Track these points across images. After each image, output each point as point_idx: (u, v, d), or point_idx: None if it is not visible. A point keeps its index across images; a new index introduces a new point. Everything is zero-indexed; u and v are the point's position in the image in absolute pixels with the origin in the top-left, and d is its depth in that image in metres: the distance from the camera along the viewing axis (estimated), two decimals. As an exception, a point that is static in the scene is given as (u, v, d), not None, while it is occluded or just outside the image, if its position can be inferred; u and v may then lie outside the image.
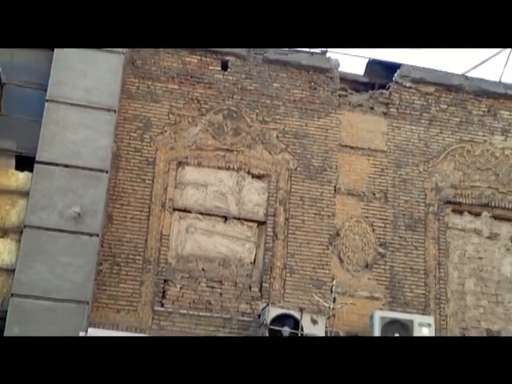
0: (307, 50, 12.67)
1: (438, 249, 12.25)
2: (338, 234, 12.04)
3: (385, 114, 12.88)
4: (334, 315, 10.95)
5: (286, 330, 10.63)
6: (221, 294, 11.42)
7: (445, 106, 13.10)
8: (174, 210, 11.74)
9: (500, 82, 13.53)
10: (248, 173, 12.14)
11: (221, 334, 11.09)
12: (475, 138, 13.02)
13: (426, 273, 12.06)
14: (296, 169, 12.24)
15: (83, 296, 10.29)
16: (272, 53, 12.59)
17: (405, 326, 10.98)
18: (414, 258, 12.11)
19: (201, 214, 11.83)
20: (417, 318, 11.16)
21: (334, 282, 11.38)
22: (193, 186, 11.95)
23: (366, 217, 12.25)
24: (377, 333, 10.85)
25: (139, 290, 11.19)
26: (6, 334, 9.84)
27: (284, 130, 12.39)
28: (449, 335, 11.78)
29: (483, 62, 14.80)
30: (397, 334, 10.86)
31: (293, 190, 12.12)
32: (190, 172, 11.99)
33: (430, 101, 13.07)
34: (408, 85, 13.07)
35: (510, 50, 13.80)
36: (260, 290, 11.56)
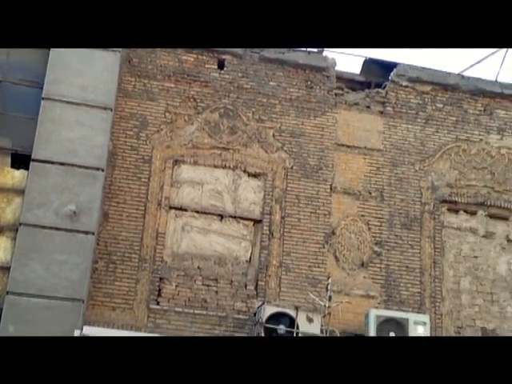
0: (304, 48, 12.68)
1: (434, 247, 12.27)
2: (333, 233, 12.05)
3: (381, 112, 12.90)
4: (329, 313, 10.97)
5: (282, 329, 10.65)
6: (216, 292, 11.43)
7: (441, 105, 13.11)
8: (170, 208, 11.75)
9: (496, 81, 13.55)
10: (244, 171, 12.15)
11: (216, 332, 11.11)
12: (471, 137, 13.04)
13: (422, 271, 12.08)
14: (292, 167, 12.25)
15: (79, 294, 10.30)
16: (268, 51, 12.59)
17: (400, 324, 11.00)
18: (410, 256, 12.13)
19: (197, 212, 11.83)
20: (412, 317, 11.18)
21: (330, 281, 11.41)
22: (189, 185, 11.96)
23: (362, 215, 12.27)
24: (372, 331, 10.87)
25: (135, 288, 11.20)
26: (1, 332, 9.84)
27: (280, 129, 12.40)
28: (444, 334, 11.81)
29: (479, 62, 14.87)
30: (392, 333, 10.88)
31: (289, 188, 12.13)
32: (186, 170, 12.00)
33: (426, 100, 13.09)
34: (404, 84, 13.08)
35: (505, 49, 13.85)
36: (256, 289, 11.57)
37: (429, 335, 11.06)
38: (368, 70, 13.48)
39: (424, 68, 13.29)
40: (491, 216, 12.72)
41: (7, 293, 10.16)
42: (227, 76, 12.49)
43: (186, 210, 11.81)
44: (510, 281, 12.44)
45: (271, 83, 12.59)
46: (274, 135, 12.34)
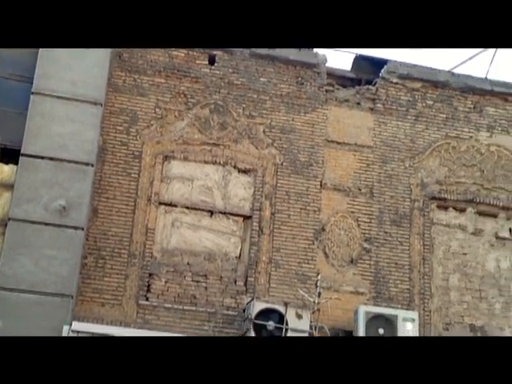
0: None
1: (423, 244, 12.30)
2: (323, 229, 12.06)
3: (371, 109, 12.91)
4: (318, 310, 11.00)
5: (271, 325, 10.67)
6: (206, 288, 11.43)
7: (431, 102, 13.14)
8: (160, 203, 11.73)
9: (486, 78, 13.58)
10: (234, 167, 12.14)
11: (205, 328, 11.11)
12: (461, 135, 13.08)
13: (411, 268, 12.11)
14: (282, 163, 12.25)
15: (68, 289, 10.27)
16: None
17: (389, 320, 11.03)
18: (399, 253, 12.16)
19: (187, 208, 11.81)
20: (401, 313, 11.21)
21: (319, 277, 11.45)
22: (179, 180, 11.94)
23: (352, 212, 12.29)
24: (361, 328, 10.89)
25: (124, 283, 11.18)
26: (-10, 326, 9.82)
27: (270, 125, 12.39)
28: (432, 330, 11.85)
29: (470, 59, 14.91)
30: (381, 329, 10.91)
31: (279, 184, 12.13)
32: (176, 166, 11.98)
33: (416, 97, 13.11)
34: (394, 81, 13.10)
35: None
36: (245, 285, 11.57)
37: (417, 332, 11.09)
38: (358, 66, 13.49)
39: (414, 65, 13.31)
40: (480, 213, 12.76)
41: (-4, 288, 10.15)
42: (218, 72, 12.47)
43: (175, 206, 11.79)
44: (499, 278, 12.49)
45: (262, 79, 12.59)
46: (264, 131, 12.34)
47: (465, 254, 12.51)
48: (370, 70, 13.36)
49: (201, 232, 11.77)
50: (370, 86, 13.07)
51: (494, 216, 12.81)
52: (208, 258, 11.60)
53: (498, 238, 12.70)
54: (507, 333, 12.15)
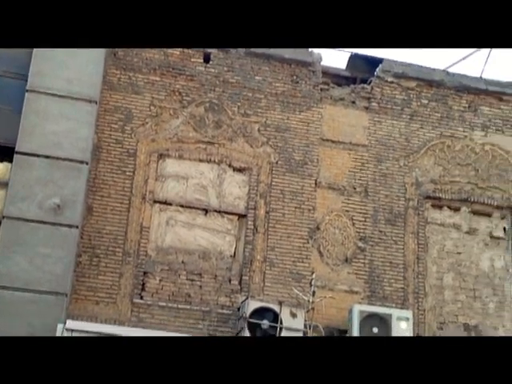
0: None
1: (418, 243, 12.32)
2: (318, 228, 12.07)
3: (366, 108, 12.92)
4: (313, 308, 11.01)
5: (265, 324, 10.67)
6: (200, 286, 11.42)
7: (426, 101, 13.15)
8: (155, 202, 11.72)
9: (481, 77, 13.61)
10: (229, 166, 12.13)
11: (200, 327, 11.11)
12: (455, 134, 13.09)
13: (405, 267, 12.12)
14: (277, 162, 12.24)
15: (62, 288, 10.25)
16: (254, 46, 12.58)
17: (383, 319, 11.05)
18: (394, 252, 12.17)
19: (181, 206, 11.80)
20: (395, 312, 11.23)
21: (314, 276, 11.44)
22: (173, 179, 11.93)
23: (347, 211, 12.29)
24: (355, 326, 10.91)
25: (118, 282, 11.16)
26: (-16, 325, 9.80)
27: (265, 124, 12.39)
28: (427, 329, 11.87)
29: (464, 58, 14.95)
30: (375, 328, 10.93)
31: (273, 183, 12.13)
32: (170, 164, 11.97)
33: (411, 96, 13.12)
34: (390, 79, 13.10)
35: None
36: (240, 283, 11.57)
37: (411, 331, 11.11)
38: (354, 65, 13.49)
39: (409, 64, 13.32)
40: (474, 212, 12.79)
41: (-10, 286, 10.13)
42: (213, 70, 12.46)
43: (170, 204, 11.78)
44: (493, 277, 12.52)
45: (257, 77, 12.58)
46: (259, 130, 12.33)
47: (459, 253, 12.53)
48: (365, 68, 13.37)
49: (195, 230, 11.76)
50: (365, 85, 13.07)
51: (489, 215, 12.84)
52: (203, 257, 11.60)
53: (492, 237, 12.73)
54: (501, 332, 12.17)
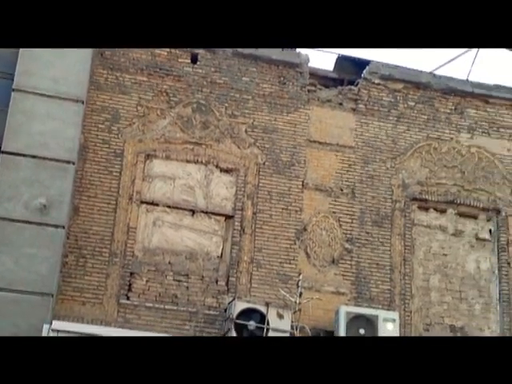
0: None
1: (404, 245, 12.35)
2: (305, 229, 12.07)
3: (353, 110, 12.94)
4: (299, 310, 11.01)
5: (252, 325, 10.66)
6: (187, 287, 11.40)
7: (412, 103, 13.20)
8: (142, 202, 11.69)
9: (467, 80, 13.68)
10: (216, 166, 12.12)
11: (187, 328, 11.09)
12: (442, 136, 13.14)
13: (392, 269, 12.15)
14: (264, 163, 12.24)
15: (48, 288, 10.21)
16: (242, 47, 12.58)
17: (370, 321, 11.06)
18: (380, 253, 12.20)
19: (168, 207, 11.78)
20: (382, 314, 11.25)
21: (301, 277, 11.44)
22: (160, 179, 11.90)
23: (333, 212, 12.31)
24: (342, 328, 10.92)
25: (105, 282, 11.12)
26: (-30, 325, 9.73)
27: (253, 125, 12.39)
28: (413, 331, 11.89)
29: (451, 61, 14.97)
30: (362, 330, 10.94)
31: (261, 184, 12.13)
32: (157, 165, 11.94)
33: (398, 98, 13.16)
34: (377, 81, 13.14)
35: (477, 49, 13.96)
36: (227, 284, 11.56)
37: (398, 332, 11.13)
38: (341, 66, 13.54)
39: (396, 66, 13.37)
40: (460, 214, 12.83)
41: (-25, 286, 10.06)
42: (200, 70, 12.45)
43: (157, 205, 11.75)
44: (479, 279, 12.57)
45: (244, 78, 12.58)
46: (246, 131, 12.33)
47: (445, 254, 12.57)
48: (352, 70, 13.41)
49: (182, 231, 11.74)
50: (352, 87, 13.10)
51: (475, 217, 12.89)
52: (189, 258, 11.57)
53: (478, 239, 12.78)
54: (487, 333, 12.23)
